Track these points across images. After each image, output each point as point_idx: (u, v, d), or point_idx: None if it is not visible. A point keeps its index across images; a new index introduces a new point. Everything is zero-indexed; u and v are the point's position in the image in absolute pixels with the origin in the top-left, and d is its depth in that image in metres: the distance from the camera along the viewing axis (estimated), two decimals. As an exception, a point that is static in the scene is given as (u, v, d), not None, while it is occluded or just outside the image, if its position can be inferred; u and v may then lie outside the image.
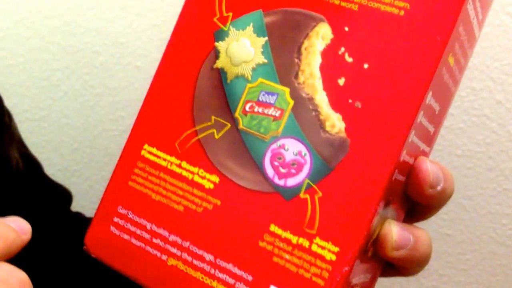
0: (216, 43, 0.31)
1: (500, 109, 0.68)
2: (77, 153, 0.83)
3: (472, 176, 0.70)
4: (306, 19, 0.29)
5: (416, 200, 0.30)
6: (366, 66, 0.28)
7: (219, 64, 0.30)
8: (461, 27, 0.28)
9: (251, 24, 0.30)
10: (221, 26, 0.31)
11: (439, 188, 0.29)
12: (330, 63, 0.28)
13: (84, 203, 0.64)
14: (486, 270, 0.70)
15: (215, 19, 0.31)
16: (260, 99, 0.29)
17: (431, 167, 0.29)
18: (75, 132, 0.83)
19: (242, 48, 0.30)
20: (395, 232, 0.28)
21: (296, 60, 0.29)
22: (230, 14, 0.30)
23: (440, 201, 0.31)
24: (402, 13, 0.28)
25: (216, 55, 0.30)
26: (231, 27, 0.30)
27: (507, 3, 0.62)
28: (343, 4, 0.29)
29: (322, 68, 0.29)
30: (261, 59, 0.30)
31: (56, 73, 0.82)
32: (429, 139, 0.31)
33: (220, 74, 0.30)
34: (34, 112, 0.85)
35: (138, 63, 0.78)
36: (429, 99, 0.28)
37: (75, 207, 0.58)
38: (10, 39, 0.81)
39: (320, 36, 0.29)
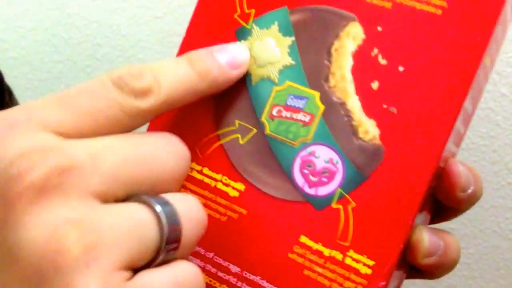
0: (238, 41, 0.28)
1: (505, 101, 0.66)
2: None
3: (476, 170, 0.68)
4: (335, 18, 0.27)
5: (445, 204, 0.28)
6: (401, 68, 0.26)
7: (243, 65, 0.28)
8: (499, 26, 0.26)
9: (276, 23, 0.28)
10: (243, 23, 0.28)
11: (469, 191, 0.27)
12: (363, 66, 0.26)
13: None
14: (489, 264, 0.69)
15: (235, 16, 0.28)
16: (288, 103, 0.27)
17: (462, 169, 0.27)
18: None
19: (267, 48, 0.28)
20: (426, 239, 0.26)
21: (326, 62, 0.27)
22: (253, 11, 0.28)
23: (469, 204, 0.29)
24: (439, 12, 0.26)
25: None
26: (254, 25, 0.28)
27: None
28: (375, 2, 0.26)
29: (354, 70, 0.26)
30: (288, 61, 0.27)
31: (58, 65, 0.80)
32: (459, 140, 0.29)
33: (244, 75, 0.28)
34: (36, 105, 0.82)
35: (140, 55, 0.76)
36: (467, 102, 0.26)
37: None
38: (12, 31, 0.78)
39: (351, 36, 0.26)
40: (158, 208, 0.22)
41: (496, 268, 0.69)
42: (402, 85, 0.26)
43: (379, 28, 0.26)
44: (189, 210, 0.23)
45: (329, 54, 0.27)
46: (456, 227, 0.67)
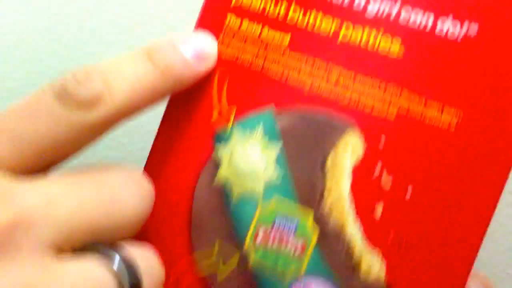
0: (216, 147, 0.23)
1: None
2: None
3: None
4: (331, 126, 0.22)
5: None
6: (410, 189, 0.21)
7: (221, 175, 0.23)
8: None
9: (261, 126, 0.22)
10: (223, 125, 0.23)
11: None
12: (364, 184, 0.21)
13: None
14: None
15: (214, 114, 0.23)
16: (276, 225, 0.22)
17: None
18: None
19: (251, 156, 0.22)
20: None
21: (321, 177, 0.22)
22: (234, 108, 0.23)
23: None
24: (454, 124, 0.20)
25: (217, 163, 0.23)
26: (235, 127, 0.23)
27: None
28: (376, 111, 0.21)
29: (354, 189, 0.21)
30: (275, 173, 0.22)
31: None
32: None
33: (223, 191, 0.23)
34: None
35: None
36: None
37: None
38: (6, 62, 0.74)
39: (349, 149, 0.21)
40: (118, 265, 0.19)
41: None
42: (412, 210, 0.20)
43: (382, 141, 0.21)
44: (150, 266, 0.20)
45: (323, 167, 0.22)
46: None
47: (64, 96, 0.19)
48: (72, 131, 0.19)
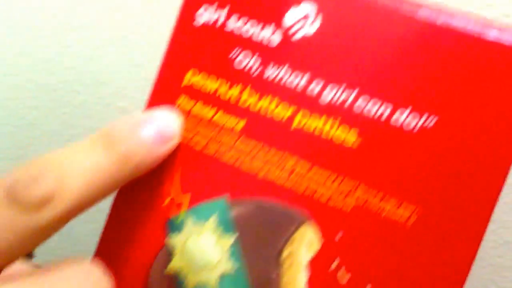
0: (169, 236, 0.22)
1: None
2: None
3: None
4: (285, 217, 0.20)
5: None
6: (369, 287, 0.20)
7: (173, 266, 0.22)
8: None
9: (215, 216, 0.21)
10: (175, 211, 0.22)
11: None
12: (321, 280, 0.20)
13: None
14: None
15: (166, 202, 0.22)
16: (230, 322, 0.21)
17: None
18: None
19: (204, 247, 0.21)
20: None
21: (276, 271, 0.20)
22: (187, 197, 0.22)
23: None
24: (412, 219, 0.19)
25: (170, 254, 0.22)
26: (188, 216, 0.22)
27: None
28: (332, 202, 0.20)
29: (311, 284, 0.20)
30: (229, 265, 0.21)
31: (33, 112, 0.73)
32: None
33: (176, 280, 0.21)
34: (11, 152, 0.77)
35: (120, 103, 0.70)
36: None
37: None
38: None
39: (306, 241, 0.20)
40: None
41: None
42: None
43: (339, 235, 0.20)
44: None
45: (278, 260, 0.20)
46: None
47: (14, 197, 0.18)
48: (23, 234, 0.18)
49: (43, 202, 0.18)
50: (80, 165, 0.19)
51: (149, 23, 0.66)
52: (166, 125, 0.21)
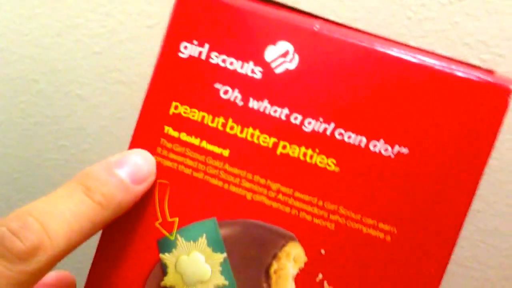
0: (161, 255, 0.23)
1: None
2: (18, 182, 0.74)
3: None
4: (272, 236, 0.22)
5: None
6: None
7: (168, 282, 0.23)
8: None
9: (204, 235, 0.23)
10: (166, 233, 0.23)
11: None
12: (306, 292, 0.22)
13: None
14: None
15: (157, 224, 0.23)
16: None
17: None
18: (15, 161, 0.74)
19: (196, 264, 0.23)
20: None
21: (265, 285, 0.22)
22: (176, 219, 0.23)
23: None
24: (388, 238, 0.21)
25: (163, 270, 0.23)
26: (178, 236, 0.23)
27: None
28: (316, 221, 0.22)
29: (297, 297, 0.22)
30: (221, 280, 0.22)
31: (-10, 101, 0.72)
32: None
33: (171, 294, 0.23)
34: (-32, 138, 0.76)
35: (79, 91, 0.69)
36: None
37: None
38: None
39: (292, 257, 0.22)
40: None
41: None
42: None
43: (322, 251, 0.22)
44: None
45: (267, 275, 0.22)
46: None
47: (2, 251, 0.18)
48: (14, 284, 0.18)
49: (29, 254, 0.19)
50: (62, 214, 0.19)
51: (106, 10, 0.65)
52: (139, 165, 0.22)
